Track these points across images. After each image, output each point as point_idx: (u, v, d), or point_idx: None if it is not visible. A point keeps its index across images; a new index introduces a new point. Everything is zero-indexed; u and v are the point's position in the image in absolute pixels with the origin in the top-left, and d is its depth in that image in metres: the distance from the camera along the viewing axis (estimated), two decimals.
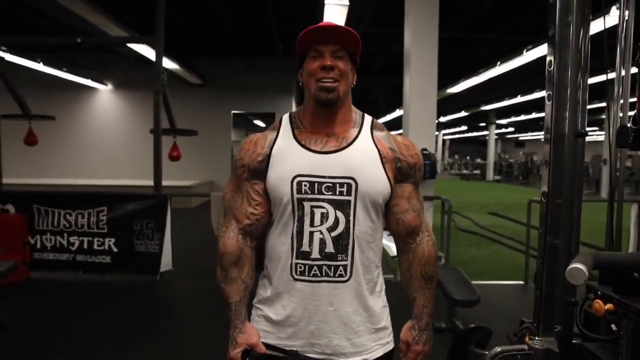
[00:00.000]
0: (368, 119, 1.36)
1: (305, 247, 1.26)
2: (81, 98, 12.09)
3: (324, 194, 1.25)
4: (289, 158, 1.27)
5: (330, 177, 1.25)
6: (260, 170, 1.29)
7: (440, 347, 1.37)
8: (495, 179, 24.79)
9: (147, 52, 8.21)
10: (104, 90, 12.26)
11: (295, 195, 1.25)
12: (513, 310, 4.07)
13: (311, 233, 1.25)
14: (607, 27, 1.37)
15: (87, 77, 11.24)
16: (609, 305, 1.13)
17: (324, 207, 1.25)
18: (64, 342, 3.43)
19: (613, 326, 1.15)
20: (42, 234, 4.95)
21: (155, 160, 5.33)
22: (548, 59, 1.21)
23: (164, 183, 5.48)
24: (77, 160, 11.89)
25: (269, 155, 1.29)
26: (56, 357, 3.22)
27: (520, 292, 5.02)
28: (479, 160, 30.77)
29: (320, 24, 1.25)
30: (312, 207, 1.25)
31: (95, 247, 4.93)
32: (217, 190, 5.72)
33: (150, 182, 5.61)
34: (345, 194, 1.25)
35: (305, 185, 1.24)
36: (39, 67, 9.28)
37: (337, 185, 1.25)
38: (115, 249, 4.93)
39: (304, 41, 1.26)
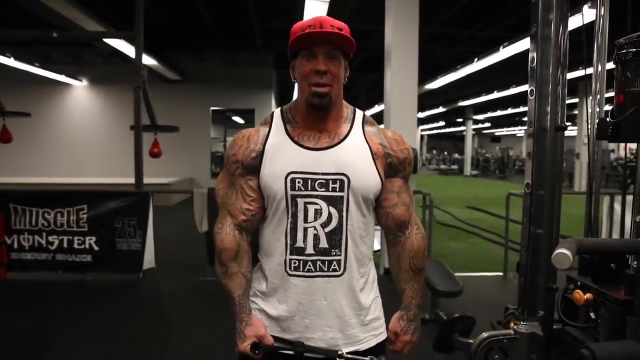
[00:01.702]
0: (359, 114, 1.37)
1: (299, 243, 1.27)
2: (57, 94, 11.83)
3: (317, 191, 1.26)
4: (283, 155, 1.28)
5: (323, 174, 1.26)
6: (254, 167, 1.30)
7: (424, 337, 1.41)
8: (473, 174, 25.21)
9: (123, 46, 8.05)
10: (79, 87, 12.00)
11: (289, 192, 1.26)
12: (493, 300, 4.17)
13: (305, 229, 1.27)
14: (579, 25, 1.41)
15: (60, 73, 10.95)
16: (588, 295, 1.18)
17: (317, 204, 1.26)
18: (45, 343, 3.37)
19: (592, 314, 1.20)
20: (20, 234, 4.83)
21: (136, 157, 5.25)
22: (530, 55, 1.25)
23: (143, 181, 5.40)
24: (55, 158, 11.64)
25: (262, 152, 1.29)
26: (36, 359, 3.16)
27: (500, 283, 5.13)
28: (456, 155, 31.20)
29: (316, 26, 1.22)
30: (305, 203, 1.26)
31: (76, 246, 4.83)
32: (197, 188, 5.67)
33: (129, 180, 5.52)
34: (337, 190, 1.27)
35: (298, 182, 1.26)
36: (9, 62, 9.02)
37: (330, 181, 1.26)
38: (96, 248, 4.85)
39: (297, 41, 1.24)
